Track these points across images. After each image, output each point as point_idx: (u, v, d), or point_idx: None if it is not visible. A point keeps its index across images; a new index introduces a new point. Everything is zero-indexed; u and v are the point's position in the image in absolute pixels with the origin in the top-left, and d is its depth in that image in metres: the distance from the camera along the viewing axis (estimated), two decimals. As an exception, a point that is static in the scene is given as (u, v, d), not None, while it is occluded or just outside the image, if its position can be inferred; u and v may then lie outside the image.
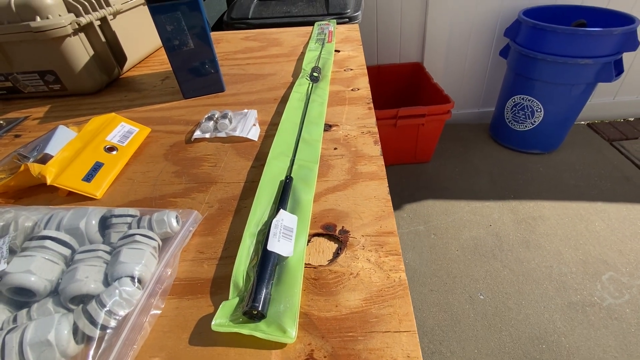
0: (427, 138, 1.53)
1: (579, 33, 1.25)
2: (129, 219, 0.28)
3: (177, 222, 0.29)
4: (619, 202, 1.40)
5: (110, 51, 0.59)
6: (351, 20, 1.07)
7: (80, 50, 0.54)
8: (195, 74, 0.52)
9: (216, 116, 0.44)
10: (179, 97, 0.55)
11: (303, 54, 0.69)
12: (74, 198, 0.35)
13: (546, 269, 1.17)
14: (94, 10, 0.55)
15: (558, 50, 1.32)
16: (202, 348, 0.22)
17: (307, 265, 0.26)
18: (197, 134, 0.43)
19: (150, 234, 0.26)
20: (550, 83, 1.42)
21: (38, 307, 0.22)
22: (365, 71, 0.59)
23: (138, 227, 0.28)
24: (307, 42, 0.74)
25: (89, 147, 0.38)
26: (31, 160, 0.36)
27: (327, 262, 0.26)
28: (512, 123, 1.63)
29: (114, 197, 0.35)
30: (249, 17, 1.08)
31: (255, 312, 0.22)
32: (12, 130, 0.51)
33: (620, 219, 1.32)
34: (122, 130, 0.42)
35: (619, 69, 1.35)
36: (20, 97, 0.59)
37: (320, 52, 0.65)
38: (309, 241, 0.28)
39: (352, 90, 0.53)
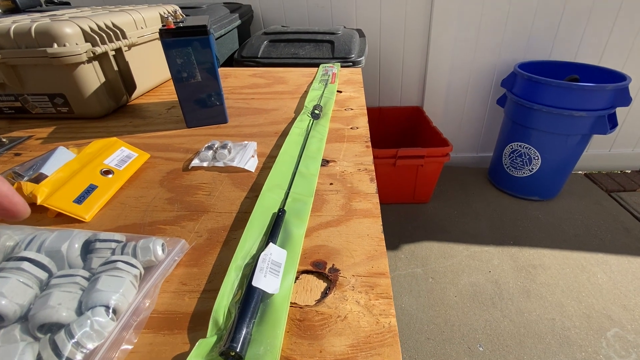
0: (426, 179, 1.54)
1: (573, 87, 1.30)
2: (113, 245, 0.27)
3: (163, 250, 0.28)
4: (621, 254, 1.37)
5: (121, 79, 0.62)
6: (355, 64, 1.13)
7: (92, 77, 0.56)
8: (200, 105, 0.54)
9: (216, 146, 0.45)
10: (183, 125, 0.57)
11: (306, 92, 0.71)
12: (62, 220, 0.35)
13: (548, 322, 1.12)
14: (110, 41, 0.58)
15: (553, 102, 1.37)
16: (172, 391, 0.20)
17: (293, 305, 0.25)
18: (195, 162, 0.43)
19: (133, 261, 0.26)
20: (546, 132, 1.46)
21: (4, 334, 0.21)
22: (365, 111, 0.60)
23: (122, 254, 0.27)
24: (311, 82, 0.78)
25: (85, 169, 0.38)
26: (25, 179, 0.36)
27: (315, 302, 0.25)
28: (510, 169, 1.65)
29: (103, 221, 0.34)
30: (259, 56, 1.14)
31: (233, 354, 0.20)
32: (13, 148, 0.51)
33: (622, 272, 1.29)
34: (121, 155, 0.43)
35: (613, 122, 1.39)
36: (27, 117, 0.61)
37: (323, 92, 0.68)
38: (297, 278, 0.27)
39: (351, 128, 0.54)
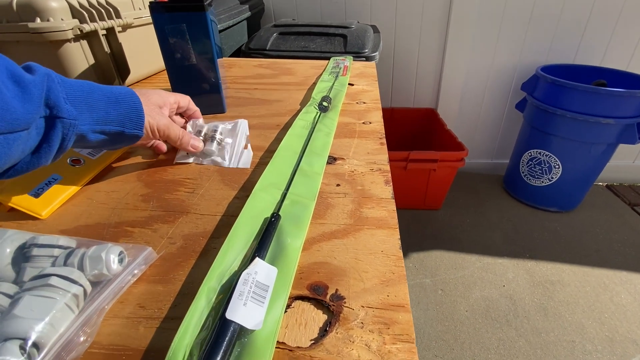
0: (439, 184, 1.46)
1: (601, 92, 1.22)
2: (56, 252, 0.21)
3: (121, 261, 0.22)
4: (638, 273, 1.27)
5: (113, 63, 0.56)
6: (368, 60, 1.06)
7: (79, 57, 0.51)
8: (195, 91, 0.48)
9: (204, 132, 0.39)
10: (175, 114, 0.51)
11: (314, 84, 0.65)
12: (16, 214, 0.29)
13: (568, 344, 1.03)
14: (102, 19, 0.52)
15: (578, 107, 1.28)
16: None
17: (281, 346, 0.19)
18: (179, 156, 0.37)
19: (74, 275, 0.20)
20: (569, 140, 1.37)
21: None
22: (379, 105, 0.54)
23: (64, 264, 0.21)
24: (321, 74, 0.71)
25: (50, 157, 0.33)
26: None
27: (310, 344, 0.19)
28: (527, 177, 1.56)
29: (62, 219, 0.29)
30: (267, 48, 1.08)
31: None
32: (-14, 132, 0.46)
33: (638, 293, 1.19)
34: (97, 142, 0.37)
35: (642, 131, 1.29)
36: (11, 101, 0.56)
37: (333, 84, 0.61)
38: (288, 306, 0.21)
39: (363, 123, 0.47)
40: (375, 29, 1.28)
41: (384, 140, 0.42)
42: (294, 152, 0.38)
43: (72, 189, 0.32)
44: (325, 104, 0.52)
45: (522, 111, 1.56)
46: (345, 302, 0.21)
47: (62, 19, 0.47)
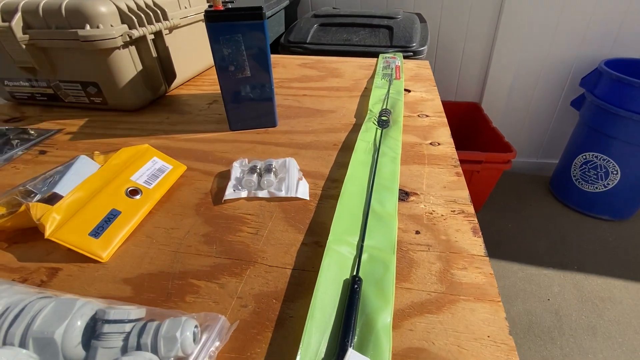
0: (481, 186, 1.38)
1: (680, 93, 1.07)
2: (127, 327, 0.19)
3: (195, 337, 0.19)
4: None
5: (159, 67, 0.54)
6: (416, 54, 0.99)
7: (128, 65, 0.49)
8: (247, 104, 0.45)
9: (259, 167, 0.36)
10: (224, 127, 0.48)
11: (367, 89, 0.60)
12: (75, 255, 0.27)
13: (618, 369, 0.96)
14: (150, 23, 0.50)
15: (648, 109, 1.14)
16: None
17: None
18: (230, 192, 0.33)
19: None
20: (632, 144, 1.23)
21: None
22: (445, 120, 0.49)
23: (138, 344, 0.18)
24: (372, 77, 0.66)
25: (108, 188, 0.31)
26: (37, 197, 0.29)
27: None
28: (579, 182, 1.44)
29: (124, 265, 0.27)
30: (307, 41, 1.03)
31: None
32: (40, 143, 0.45)
33: None
34: (153, 168, 0.35)
35: None
36: (60, 106, 0.55)
37: (388, 91, 0.56)
38: (390, 413, 0.18)
39: (430, 144, 0.42)
40: (421, 18, 1.18)
41: (460, 170, 0.37)
42: (361, 186, 0.34)
43: (132, 226, 0.30)
44: (384, 117, 0.47)
45: (579, 109, 1.42)
46: (457, 413, 0.18)
47: (111, 25, 0.45)
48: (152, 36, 0.51)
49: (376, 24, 1.06)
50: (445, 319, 0.22)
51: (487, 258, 0.26)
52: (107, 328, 0.19)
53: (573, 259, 1.28)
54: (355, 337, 0.20)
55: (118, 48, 0.47)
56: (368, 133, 0.43)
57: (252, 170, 0.35)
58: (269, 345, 0.21)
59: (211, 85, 0.64)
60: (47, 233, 0.26)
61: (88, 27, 0.44)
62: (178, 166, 0.37)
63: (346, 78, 0.66)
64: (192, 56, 0.64)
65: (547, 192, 1.63)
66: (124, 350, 0.19)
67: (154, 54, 0.52)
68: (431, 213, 0.31)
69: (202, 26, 0.64)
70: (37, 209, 0.27)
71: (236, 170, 0.36)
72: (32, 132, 0.48)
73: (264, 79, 0.43)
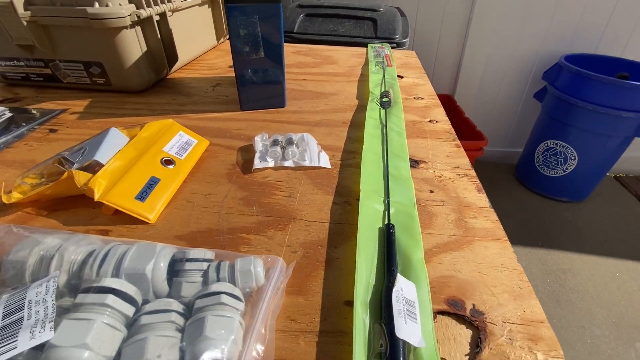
0: (455, 173, 1.47)
1: (626, 86, 1.21)
2: (204, 265, 0.22)
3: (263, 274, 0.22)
4: (652, 264, 1.32)
5: (163, 49, 0.54)
6: (399, 46, 1.04)
7: (134, 45, 0.49)
8: (259, 85, 0.47)
9: (281, 141, 0.38)
10: (234, 107, 0.50)
11: (363, 75, 0.64)
12: (120, 218, 0.29)
13: (578, 329, 1.09)
14: (155, 4, 0.50)
15: (601, 99, 1.28)
16: None
17: (444, 362, 0.19)
18: (257, 163, 0.36)
19: (236, 292, 0.20)
20: (588, 132, 1.37)
21: None
22: (439, 102, 0.53)
23: (217, 278, 0.21)
24: (365, 64, 0.70)
25: (144, 158, 0.32)
26: (76, 166, 0.30)
27: (467, 359, 0.20)
28: (542, 167, 1.57)
29: (172, 224, 0.29)
30: (294, 30, 1.05)
31: None
32: (46, 122, 0.45)
33: (654, 283, 1.25)
34: (180, 141, 0.36)
35: (661, 125, 1.30)
36: (57, 87, 0.54)
37: (384, 76, 0.60)
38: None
39: (429, 122, 0.47)
40: (401, 12, 1.24)
41: (459, 142, 0.42)
42: (377, 154, 0.37)
43: (171, 191, 0.31)
44: (385, 99, 0.51)
45: (541, 101, 1.55)
46: (486, 318, 0.22)
47: (120, 4, 0.45)
48: (157, 17, 0.51)
49: (360, 15, 1.10)
50: (465, 254, 0.26)
51: (492, 209, 0.31)
52: (188, 265, 0.21)
53: (538, 237, 1.41)
54: (398, 268, 0.24)
55: (126, 27, 0.47)
56: (374, 112, 0.47)
57: (275, 142, 0.38)
58: (324, 280, 0.24)
59: (210, 69, 0.65)
60: (97, 196, 0.28)
61: (97, 4, 0.44)
62: (202, 141, 0.39)
63: (341, 65, 0.69)
64: (190, 40, 0.64)
65: (513, 178, 1.76)
66: (204, 284, 0.21)
67: (158, 36, 0.53)
68: (440, 177, 0.36)
69: (199, 10, 0.65)
70: (80, 176, 0.29)
71: (258, 144, 0.39)
72: (34, 111, 0.47)
73: (277, 61, 0.45)
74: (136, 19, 0.47)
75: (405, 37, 1.06)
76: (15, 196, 0.29)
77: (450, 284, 0.24)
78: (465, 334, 0.21)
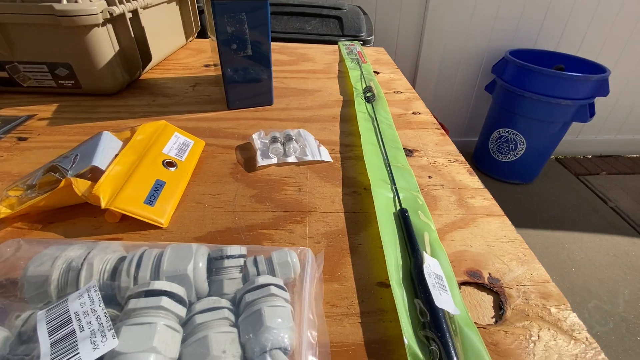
0: (422, 163, 1.55)
1: (563, 76, 1.36)
2: (241, 261, 0.22)
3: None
4: (592, 233, 1.50)
5: (137, 48, 0.52)
6: (365, 43, 1.07)
7: (106, 44, 0.46)
8: (247, 83, 0.47)
9: (279, 137, 0.39)
10: (219, 106, 0.49)
11: (341, 72, 0.65)
12: (129, 225, 0.28)
13: (538, 297, 1.21)
14: (127, 0, 0.47)
15: (542, 90, 1.42)
16: None
17: (476, 325, 0.21)
18: (261, 160, 0.36)
19: (281, 283, 0.20)
20: (533, 119, 1.52)
21: None
22: (417, 95, 0.57)
23: (257, 272, 0.21)
24: (340, 61, 0.72)
25: (145, 161, 0.31)
26: (71, 173, 0.28)
27: (494, 321, 0.22)
28: (496, 154, 1.71)
29: (187, 226, 0.28)
30: (262, 29, 1.04)
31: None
32: (12, 130, 0.41)
33: (595, 249, 1.42)
34: (178, 142, 0.35)
35: (592, 111, 1.48)
36: (16, 92, 0.49)
37: (361, 72, 0.63)
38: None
39: (413, 114, 0.50)
40: (363, 11, 1.28)
41: (443, 131, 0.45)
42: (375, 146, 0.39)
43: (178, 193, 0.30)
44: (369, 94, 0.53)
45: (492, 93, 1.68)
46: (502, 284, 0.24)
47: (90, 0, 0.42)
48: (130, 14, 0.49)
49: (325, 14, 1.11)
50: (472, 230, 0.29)
51: (486, 189, 0.34)
52: (227, 263, 0.21)
53: (497, 218, 1.54)
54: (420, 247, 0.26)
55: (97, 25, 0.44)
56: (361, 106, 0.49)
57: (274, 139, 0.38)
58: (352, 266, 0.25)
59: (185, 69, 0.63)
60: (104, 204, 0.26)
61: (65, 0, 0.41)
62: (198, 141, 0.38)
63: (317, 62, 0.71)
64: (162, 38, 0.61)
65: (472, 165, 1.90)
66: (245, 279, 0.21)
67: (132, 34, 0.50)
68: (434, 163, 0.38)
69: (168, 8, 0.62)
70: (79, 184, 0.27)
71: (257, 142, 0.38)
72: (-5, 119, 0.43)
73: (264, 58, 0.45)
74: (108, 16, 0.44)
75: (370, 34, 1.09)
76: (4, 211, 0.27)
77: (466, 258, 0.26)
78: (487, 299, 0.23)
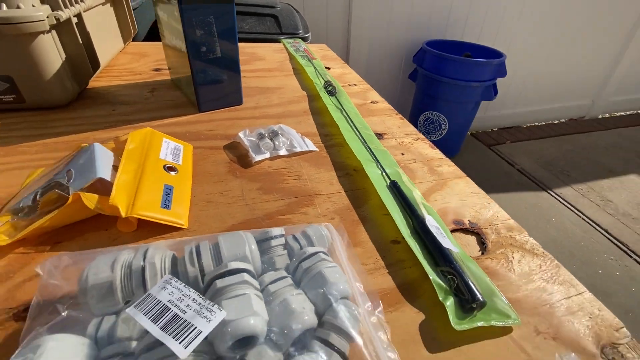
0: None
1: (471, 62, 1.58)
2: (283, 240, 0.25)
3: (327, 236, 0.26)
4: (507, 192, 1.79)
5: (86, 55, 0.48)
6: (304, 40, 1.11)
7: (52, 52, 0.42)
8: (216, 84, 0.47)
9: (265, 133, 0.41)
10: (187, 110, 0.49)
11: (295, 69, 0.69)
12: (148, 231, 0.28)
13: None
14: (71, 4, 0.44)
15: (457, 75, 1.64)
16: (447, 352, 0.21)
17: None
18: (256, 156, 0.38)
19: (325, 250, 0.24)
20: (451, 101, 1.74)
21: (257, 355, 0.18)
22: (370, 87, 0.63)
23: (300, 247, 0.24)
24: (291, 59, 0.75)
25: (147, 169, 0.31)
26: (73, 189, 0.27)
27: (481, 253, 0.29)
28: (424, 135, 1.91)
29: (207, 224, 0.29)
30: (197, 29, 1.01)
31: (475, 305, 0.23)
32: (-46, 156, 0.36)
33: (511, 205, 1.70)
34: (169, 147, 0.35)
35: (495, 90, 1.75)
36: (-63, 113, 0.42)
37: (315, 68, 0.67)
38: (452, 237, 0.30)
39: (371, 103, 0.56)
40: (295, 9, 1.31)
41: (401, 116, 0.52)
42: (352, 132, 0.44)
43: (187, 195, 0.31)
44: (330, 88, 0.58)
45: (415, 81, 1.87)
46: (480, 226, 0.31)
47: (33, 5, 0.39)
48: (75, 19, 0.45)
49: (261, 12, 1.12)
50: (447, 191, 0.36)
51: (447, 158, 0.42)
52: (273, 242, 0.24)
53: (433, 191, 1.74)
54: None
55: (43, 33, 0.40)
56: (327, 99, 0.53)
57: (262, 136, 0.40)
58: (367, 232, 0.30)
59: (133, 74, 0.59)
60: (124, 213, 0.26)
61: (4, 7, 0.37)
62: (186, 145, 0.38)
63: (269, 60, 0.73)
64: (104, 43, 0.57)
65: (406, 147, 2.09)
66: (290, 254, 0.24)
67: (80, 40, 0.46)
68: (402, 143, 0.44)
69: (103, 10, 0.58)
70: (87, 198, 0.26)
71: (245, 140, 0.40)
72: None
73: (233, 59, 0.47)
74: (55, 22, 0.41)
75: (307, 31, 1.14)
76: (2, 239, 0.25)
77: (449, 212, 0.33)
78: (472, 239, 0.30)
